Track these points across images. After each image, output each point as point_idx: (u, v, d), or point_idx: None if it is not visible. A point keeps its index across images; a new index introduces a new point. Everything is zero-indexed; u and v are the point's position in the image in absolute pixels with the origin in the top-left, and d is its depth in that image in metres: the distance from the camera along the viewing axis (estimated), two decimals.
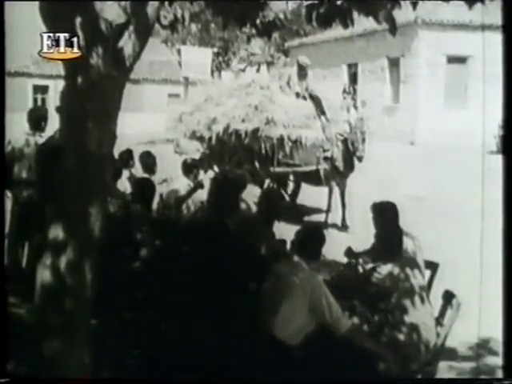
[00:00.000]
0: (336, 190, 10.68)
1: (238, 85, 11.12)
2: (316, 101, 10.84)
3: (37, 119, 6.92)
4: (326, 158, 10.55)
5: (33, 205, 6.81)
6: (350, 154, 10.42)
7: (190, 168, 7.73)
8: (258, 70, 11.82)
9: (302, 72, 11.13)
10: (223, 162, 10.88)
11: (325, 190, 10.76)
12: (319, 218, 10.70)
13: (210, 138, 10.57)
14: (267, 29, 5.01)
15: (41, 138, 6.86)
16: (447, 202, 11.63)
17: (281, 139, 10.27)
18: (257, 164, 10.41)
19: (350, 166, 10.59)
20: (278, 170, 10.54)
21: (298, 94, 11.00)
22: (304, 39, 28.29)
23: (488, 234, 5.86)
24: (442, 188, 12.68)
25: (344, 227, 10.36)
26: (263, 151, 10.28)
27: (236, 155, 10.69)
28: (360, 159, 10.37)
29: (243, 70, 12.16)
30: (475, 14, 19.70)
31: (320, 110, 10.71)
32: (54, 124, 4.52)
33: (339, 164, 10.52)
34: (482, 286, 6.20)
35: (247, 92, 10.79)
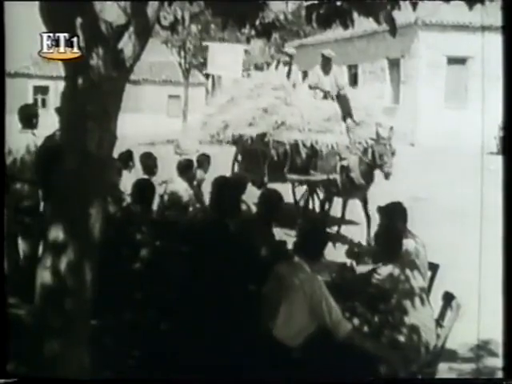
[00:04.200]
0: (357, 202, 9.82)
1: (255, 85, 10.48)
2: (342, 100, 10.03)
3: (29, 116, 6.88)
4: (342, 167, 9.68)
5: (32, 205, 6.82)
6: (372, 166, 9.39)
7: (184, 168, 7.75)
8: (289, 71, 10.80)
9: (327, 66, 10.48)
10: (240, 166, 10.45)
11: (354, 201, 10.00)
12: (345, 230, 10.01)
13: (228, 142, 10.16)
14: (267, 30, 5.00)
15: (34, 136, 6.83)
16: (447, 203, 11.63)
17: (295, 145, 9.56)
18: (266, 170, 9.78)
19: (369, 178, 9.54)
20: (291, 177, 9.93)
21: (326, 94, 10.29)
22: (304, 40, 28.33)
23: (488, 235, 5.85)
24: (441, 189, 12.69)
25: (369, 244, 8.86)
26: (275, 158, 9.61)
27: (247, 160, 10.24)
28: (387, 176, 9.15)
29: (276, 68, 11.20)
30: (475, 15, 19.73)
31: (346, 111, 9.83)
32: (54, 124, 4.51)
33: (355, 175, 9.53)
34: (482, 287, 6.20)
35: (259, 93, 10.15)
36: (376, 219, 5.78)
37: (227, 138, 10.02)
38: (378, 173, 9.44)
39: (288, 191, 11.03)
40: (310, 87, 10.45)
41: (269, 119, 9.60)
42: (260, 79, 10.83)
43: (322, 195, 10.59)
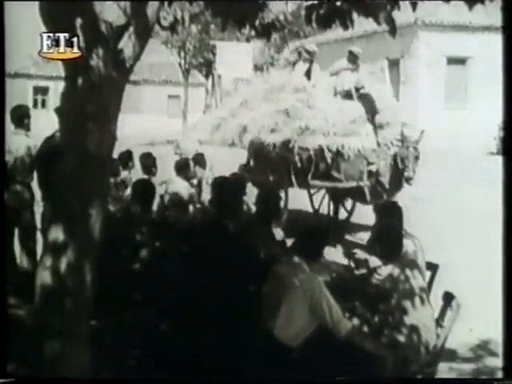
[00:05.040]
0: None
1: (272, 87, 9.68)
2: (367, 100, 9.37)
3: (21, 117, 6.88)
4: (370, 173, 9.05)
5: (27, 206, 6.84)
6: (398, 172, 8.85)
7: (182, 167, 7.77)
8: (309, 69, 9.95)
9: (354, 64, 9.82)
10: (261, 173, 9.70)
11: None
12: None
13: (245, 148, 9.56)
14: (266, 30, 4.99)
15: (27, 138, 6.84)
16: (447, 203, 11.64)
17: (320, 150, 8.89)
18: (293, 178, 9.14)
19: (396, 184, 8.97)
20: (316, 184, 9.36)
21: (347, 93, 9.61)
22: (304, 40, 28.33)
23: (488, 235, 5.86)
24: (442, 189, 12.70)
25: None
26: (298, 164, 8.97)
27: (267, 166, 9.47)
28: (408, 181, 8.74)
29: (293, 65, 10.27)
30: (475, 15, 19.75)
31: (371, 112, 9.20)
32: (54, 125, 4.52)
33: (385, 180, 8.98)
34: (482, 287, 6.20)
35: (279, 96, 9.39)
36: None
37: (245, 144, 9.41)
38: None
39: (311, 198, 10.74)
40: (332, 74, 9.89)
41: (292, 124, 8.99)
42: (277, 80, 9.96)
43: (347, 201, 10.11)
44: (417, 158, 8.69)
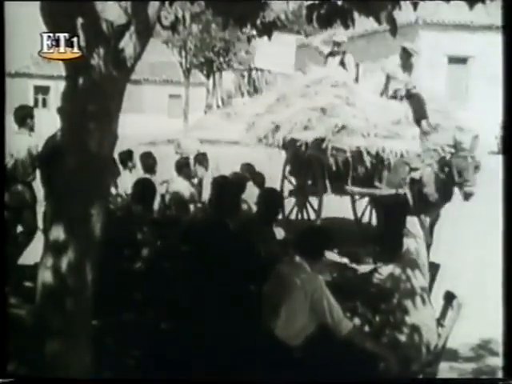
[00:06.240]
0: (426, 220, 8.06)
1: (311, 81, 8.94)
2: (416, 101, 8.53)
3: (24, 117, 6.88)
4: (412, 180, 8.10)
5: (32, 205, 6.84)
6: (451, 183, 7.78)
7: (182, 167, 7.78)
8: (342, 61, 9.36)
9: (407, 62, 8.95)
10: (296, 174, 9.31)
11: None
12: None
13: (278, 146, 8.78)
14: (268, 29, 4.99)
15: (30, 138, 6.85)
16: (447, 203, 11.60)
17: (358, 152, 8.11)
18: (327, 182, 8.49)
19: (445, 196, 8.00)
20: (352, 190, 8.54)
21: (395, 92, 8.78)
22: (305, 40, 28.31)
23: (488, 234, 5.85)
24: None
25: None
26: (333, 167, 8.24)
27: (300, 168, 9.03)
28: (467, 196, 7.58)
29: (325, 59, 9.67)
30: (476, 15, 19.73)
31: (420, 113, 8.37)
32: (55, 124, 4.52)
33: (429, 191, 7.99)
34: (483, 286, 6.19)
35: (316, 91, 8.67)
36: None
37: (277, 142, 8.64)
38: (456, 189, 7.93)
39: (353, 204, 10.06)
40: (382, 71, 9.25)
41: (327, 121, 8.22)
42: (315, 74, 9.19)
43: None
44: (476, 168, 7.62)
